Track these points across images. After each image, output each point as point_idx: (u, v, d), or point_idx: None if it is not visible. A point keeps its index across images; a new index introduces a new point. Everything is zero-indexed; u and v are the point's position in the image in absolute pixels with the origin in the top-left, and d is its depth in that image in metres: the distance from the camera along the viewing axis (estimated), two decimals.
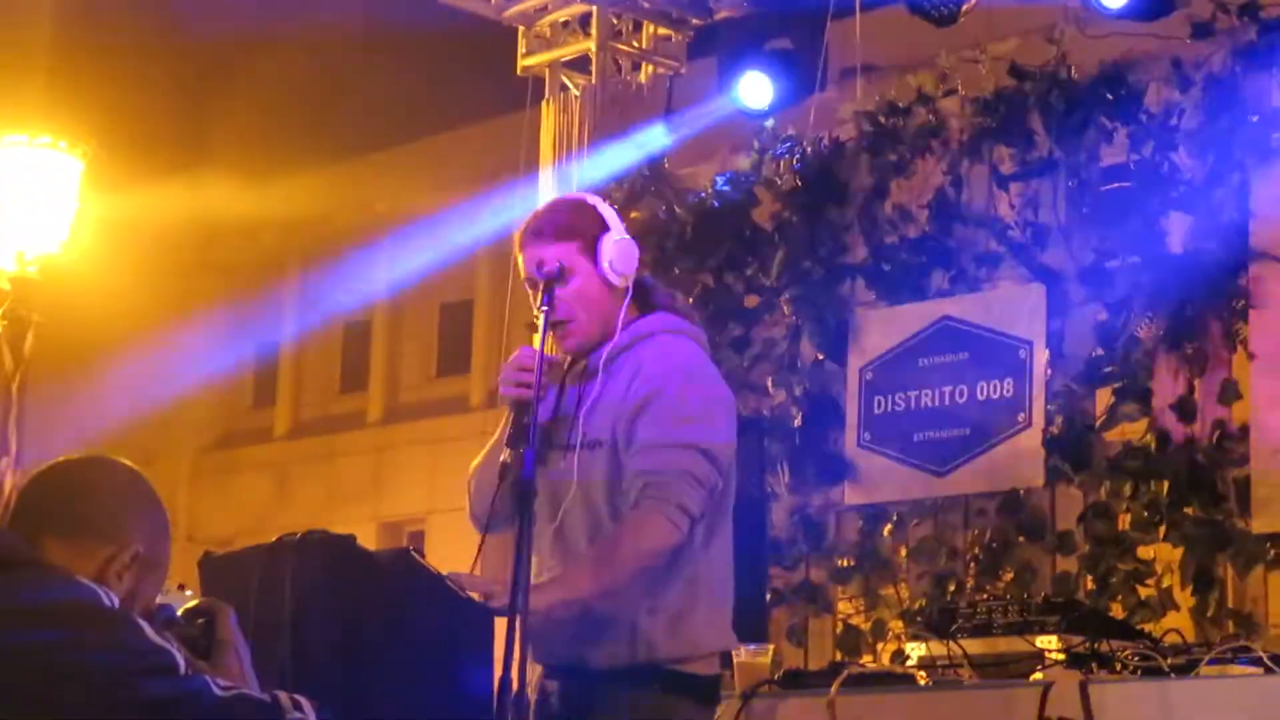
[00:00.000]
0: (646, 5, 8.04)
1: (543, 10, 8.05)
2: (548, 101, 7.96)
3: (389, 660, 3.25)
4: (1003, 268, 6.10)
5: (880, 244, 6.41)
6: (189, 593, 3.03)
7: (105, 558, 2.70)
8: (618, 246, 3.67)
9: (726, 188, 6.85)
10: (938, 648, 4.38)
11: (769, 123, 6.89)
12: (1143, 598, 5.54)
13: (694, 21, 8.10)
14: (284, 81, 16.17)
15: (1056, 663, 4.17)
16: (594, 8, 7.94)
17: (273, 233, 17.98)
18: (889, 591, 6.26)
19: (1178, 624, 5.09)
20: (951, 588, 6.00)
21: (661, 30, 8.12)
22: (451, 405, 17.85)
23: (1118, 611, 5.42)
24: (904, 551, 6.26)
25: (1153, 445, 5.60)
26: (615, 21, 8.03)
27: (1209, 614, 5.38)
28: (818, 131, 6.71)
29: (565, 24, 8.06)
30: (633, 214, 7.03)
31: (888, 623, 6.17)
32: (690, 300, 6.57)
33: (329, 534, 3.40)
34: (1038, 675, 4.16)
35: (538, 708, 3.67)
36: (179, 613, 2.83)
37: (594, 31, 7.96)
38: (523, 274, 3.71)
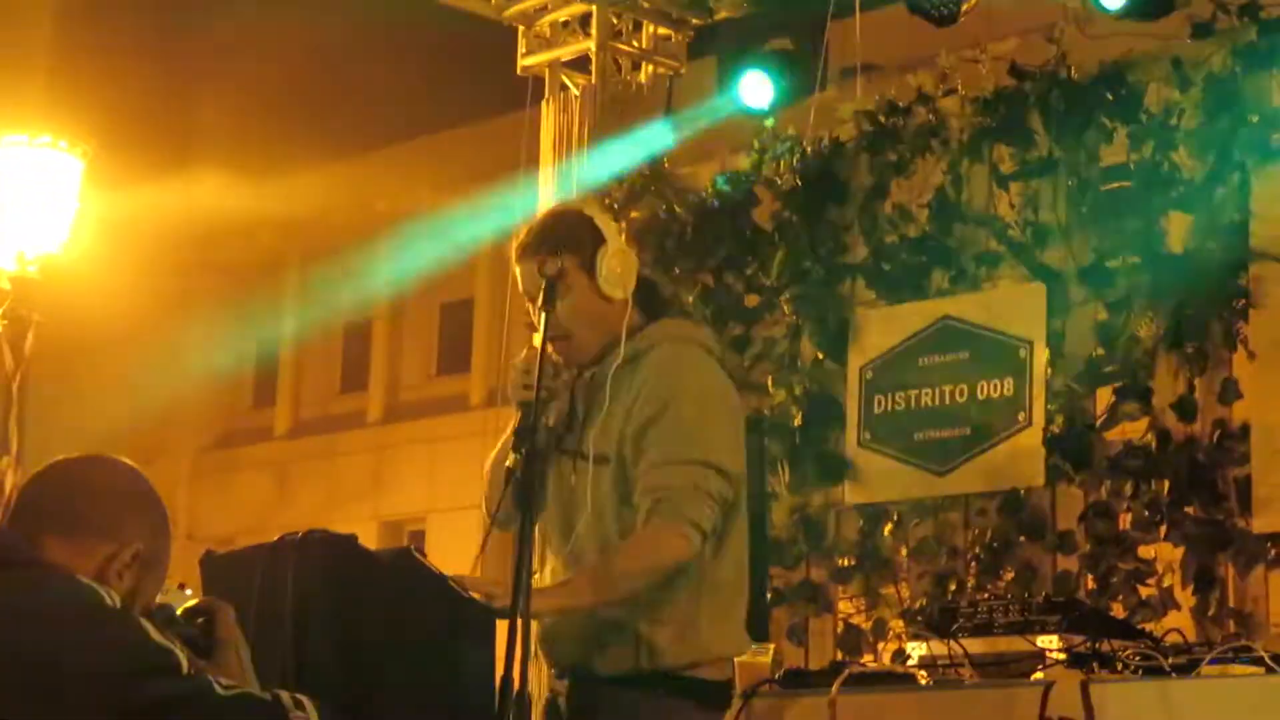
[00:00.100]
0: (646, 5, 8.04)
1: (542, 10, 8.06)
2: (548, 101, 7.96)
3: (390, 660, 3.25)
4: (1003, 267, 6.10)
5: (880, 243, 6.41)
6: (189, 592, 3.04)
7: (105, 556, 2.70)
8: (615, 259, 3.64)
9: (726, 187, 6.85)
10: (939, 647, 4.38)
11: (769, 122, 6.89)
12: (1144, 597, 5.54)
13: (694, 21, 8.10)
14: (284, 81, 16.16)
15: (1057, 662, 4.17)
16: (594, 7, 7.94)
17: (273, 232, 17.97)
18: (889, 591, 6.26)
19: (1179, 623, 5.08)
20: (952, 587, 6.00)
21: (661, 30, 8.12)
22: (452, 404, 17.86)
23: (1119, 611, 5.42)
24: (904, 551, 6.25)
25: (1153, 444, 5.60)
26: (615, 21, 8.03)
27: (1210, 613, 5.38)
28: (818, 131, 6.70)
29: (565, 24, 8.06)
30: (633, 213, 7.03)
31: (888, 622, 6.17)
32: (690, 299, 6.60)
33: (330, 533, 3.40)
34: (1039, 675, 4.16)
35: (548, 708, 3.68)
36: (178, 612, 2.84)
37: (594, 31, 7.96)
38: (521, 286, 3.70)
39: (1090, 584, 5.67)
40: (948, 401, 6.08)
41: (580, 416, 3.67)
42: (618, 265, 3.64)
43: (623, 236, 3.81)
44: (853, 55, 7.02)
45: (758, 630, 4.14)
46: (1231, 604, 5.42)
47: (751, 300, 6.73)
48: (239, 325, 17.98)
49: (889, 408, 6.23)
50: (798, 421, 6.47)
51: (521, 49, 8.10)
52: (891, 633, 6.09)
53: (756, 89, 7.08)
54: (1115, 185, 5.83)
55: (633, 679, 3.52)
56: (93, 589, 2.63)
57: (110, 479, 2.81)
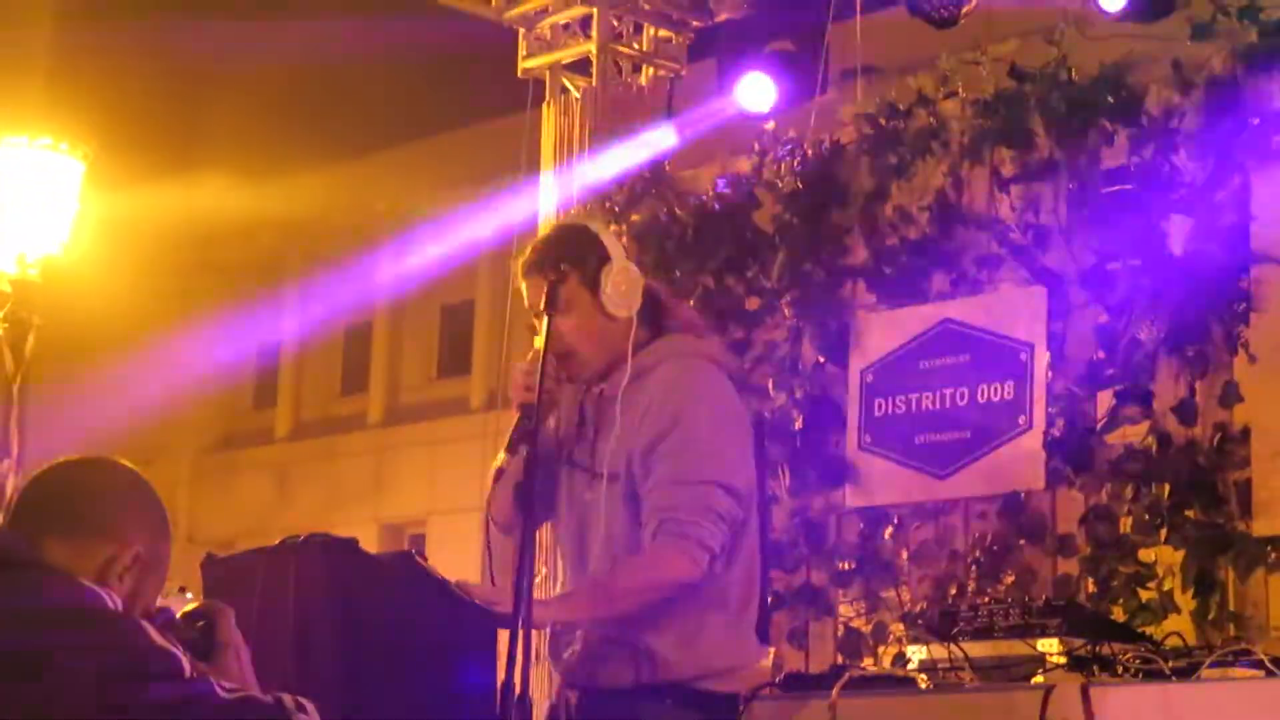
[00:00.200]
0: (647, 7, 8.05)
1: (543, 12, 8.06)
2: (548, 103, 7.96)
3: (391, 663, 3.25)
4: (1003, 270, 6.10)
5: (881, 246, 6.40)
6: (189, 595, 3.03)
7: (106, 558, 2.70)
8: (619, 276, 3.63)
9: (727, 190, 6.85)
10: (939, 651, 4.37)
11: (769, 125, 6.88)
12: (1144, 600, 5.54)
13: (694, 24, 8.10)
14: (284, 82, 16.17)
15: (1058, 666, 4.16)
16: (594, 10, 7.94)
17: (273, 234, 18.00)
18: (890, 594, 6.26)
19: (1179, 627, 5.08)
20: (952, 590, 5.99)
21: (662, 32, 8.12)
22: (452, 407, 17.87)
23: (1119, 614, 5.42)
24: (905, 554, 6.25)
25: (1154, 448, 5.60)
26: (616, 24, 8.03)
27: (1210, 617, 5.38)
28: (818, 134, 6.70)
29: (565, 26, 8.06)
30: (633, 216, 7.03)
31: (889, 626, 6.17)
32: (691, 303, 6.59)
33: (331, 537, 3.40)
34: (1039, 678, 4.15)
35: (554, 714, 3.67)
36: (178, 615, 2.83)
37: (594, 34, 7.96)
38: (526, 302, 3.70)
39: (1090, 587, 5.66)
40: (948, 405, 6.07)
41: (591, 431, 3.66)
42: (622, 283, 3.62)
43: (623, 248, 3.79)
44: (853, 58, 7.02)
45: (761, 636, 4.14)
46: (1232, 607, 5.41)
47: (752, 303, 6.73)
48: (239, 327, 17.99)
49: (889, 411, 6.23)
50: (798, 425, 6.47)
51: (522, 51, 8.11)
52: (892, 636, 6.09)
53: (757, 91, 7.08)
54: (1116, 188, 5.82)
55: (640, 690, 3.51)
56: (94, 592, 2.63)
57: (111, 481, 2.80)
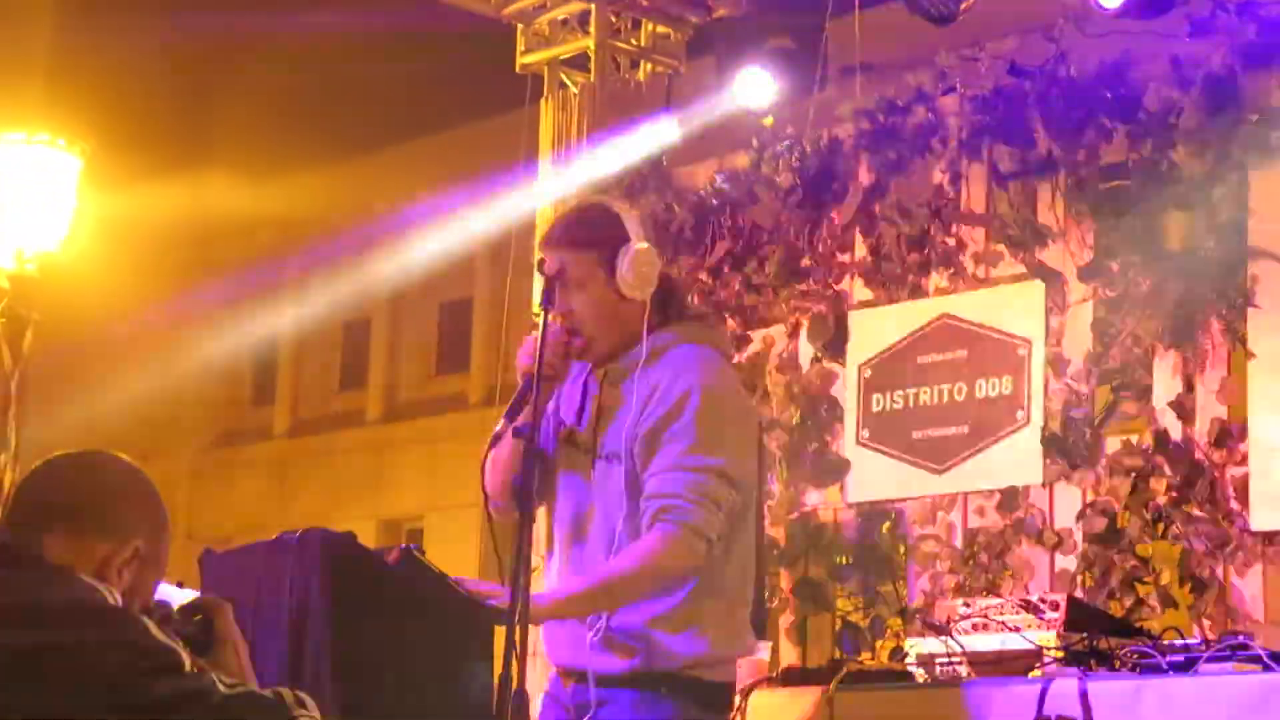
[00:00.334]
0: (645, 3, 8.04)
1: (541, 8, 8.05)
2: (546, 99, 7.95)
3: (388, 658, 3.25)
4: (1002, 266, 6.11)
5: (879, 242, 6.41)
6: (187, 590, 3.03)
7: (106, 553, 2.69)
8: (636, 258, 3.61)
9: (726, 186, 6.85)
10: (936, 645, 4.38)
11: (768, 121, 6.89)
12: (1141, 595, 5.55)
13: (693, 20, 8.09)
14: (283, 80, 16.17)
15: (1055, 660, 4.17)
16: (592, 6, 7.93)
17: (271, 230, 17.99)
18: (888, 589, 6.27)
19: (1176, 621, 5.09)
20: (950, 585, 6.00)
21: (660, 28, 8.11)
22: (450, 403, 17.87)
23: (1116, 609, 5.43)
24: (903, 549, 6.26)
25: (1152, 443, 5.60)
26: (614, 19, 8.03)
27: (1207, 612, 5.38)
28: (817, 130, 6.70)
29: (564, 22, 8.05)
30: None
31: (886, 620, 6.18)
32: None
33: (329, 532, 3.40)
34: (1036, 673, 4.16)
35: (549, 704, 3.67)
36: (175, 610, 2.83)
37: (593, 29, 7.95)
38: (543, 274, 3.70)
39: (1088, 582, 5.67)
40: (946, 400, 6.08)
41: (594, 412, 3.66)
42: (639, 265, 3.61)
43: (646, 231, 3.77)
44: (852, 54, 7.02)
45: (756, 629, 4.14)
46: (1229, 602, 5.42)
47: (750, 298, 6.73)
48: (238, 324, 17.98)
49: (888, 406, 6.24)
50: (796, 420, 6.47)
51: (520, 47, 8.10)
52: (890, 631, 6.09)
53: (755, 87, 7.08)
54: (1114, 184, 5.83)
55: (635, 679, 3.52)
56: (94, 587, 2.63)
57: (110, 475, 2.80)
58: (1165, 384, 5.61)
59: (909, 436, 6.15)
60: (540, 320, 3.55)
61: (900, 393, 6.20)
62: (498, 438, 3.59)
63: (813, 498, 6.45)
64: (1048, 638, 4.24)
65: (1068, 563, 5.76)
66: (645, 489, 3.53)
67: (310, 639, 3.27)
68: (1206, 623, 5.35)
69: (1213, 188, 5.53)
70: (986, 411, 5.95)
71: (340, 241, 16.85)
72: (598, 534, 3.60)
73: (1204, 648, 4.03)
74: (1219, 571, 5.42)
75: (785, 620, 6.42)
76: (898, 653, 4.67)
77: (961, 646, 4.31)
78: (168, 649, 2.58)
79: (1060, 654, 4.18)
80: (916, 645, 4.48)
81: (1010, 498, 5.92)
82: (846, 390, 6.36)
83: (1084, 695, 3.86)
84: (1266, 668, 3.80)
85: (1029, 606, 4.41)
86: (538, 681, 3.75)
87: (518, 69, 8.10)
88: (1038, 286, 5.93)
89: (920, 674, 4.41)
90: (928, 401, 6.13)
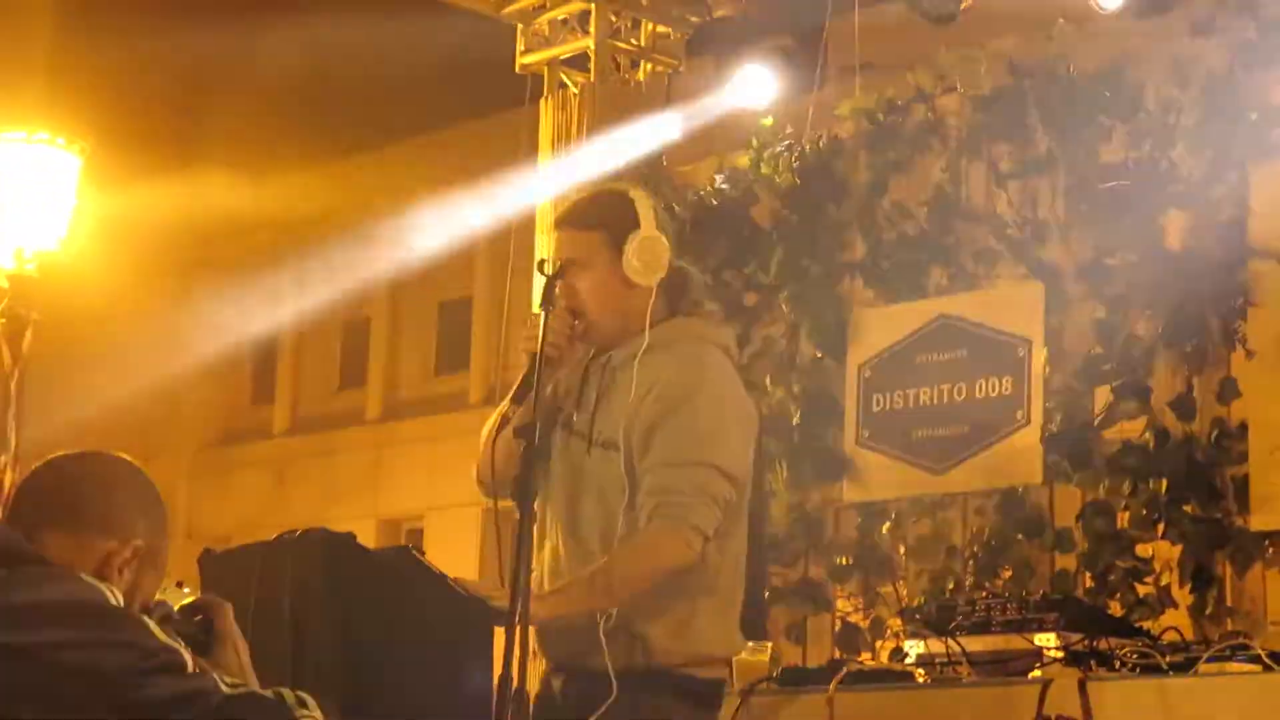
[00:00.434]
0: (645, 3, 8.04)
1: (541, 8, 8.05)
2: (546, 99, 7.95)
3: (388, 658, 3.25)
4: (1001, 265, 6.11)
5: (879, 242, 6.41)
6: (186, 590, 3.03)
7: (106, 552, 2.70)
8: (643, 245, 3.62)
9: (725, 185, 6.85)
10: (936, 645, 4.38)
11: (768, 120, 6.88)
12: (1141, 595, 5.54)
13: (692, 19, 8.10)
14: (281, 78, 16.15)
15: (1055, 660, 4.17)
16: (592, 5, 7.94)
17: (271, 229, 17.99)
18: (887, 589, 6.26)
19: (1176, 622, 5.09)
20: (950, 585, 6.00)
21: (660, 28, 8.11)
22: (450, 402, 17.87)
23: (1116, 609, 5.42)
24: (902, 549, 6.26)
25: (1151, 443, 5.60)
26: (614, 19, 8.03)
27: (1207, 611, 5.38)
28: (816, 129, 6.70)
29: (564, 21, 8.05)
30: None
31: (886, 620, 6.17)
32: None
33: (329, 532, 3.40)
34: (1036, 673, 4.16)
35: (541, 701, 3.67)
36: (175, 609, 2.83)
37: (592, 29, 7.95)
38: (554, 257, 3.71)
39: (1088, 582, 5.67)
40: (946, 400, 6.07)
41: (593, 399, 3.66)
42: (646, 251, 3.61)
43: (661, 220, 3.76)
44: (851, 53, 7.02)
45: (756, 628, 4.14)
46: (1229, 602, 5.42)
47: (750, 298, 6.73)
48: (237, 322, 17.97)
49: (887, 406, 6.23)
50: (796, 420, 6.47)
51: (520, 47, 8.10)
52: (889, 631, 6.09)
53: (755, 87, 7.08)
54: (1114, 183, 5.82)
55: (627, 676, 3.52)
56: (96, 587, 2.62)
57: (110, 474, 2.80)
58: (1165, 383, 5.60)
59: (909, 436, 6.14)
60: (540, 321, 3.55)
61: (900, 392, 6.20)
62: (506, 422, 3.57)
63: (812, 497, 6.44)
64: (1048, 638, 4.25)
65: (1067, 562, 5.76)
66: (643, 483, 3.53)
67: (309, 639, 3.27)
68: (1206, 623, 5.35)
69: (1212, 187, 5.53)
70: (986, 411, 5.94)
71: (340, 240, 16.85)
72: (592, 521, 3.60)
73: (1204, 648, 4.03)
74: (1219, 571, 5.42)
75: (785, 620, 6.41)
76: (898, 653, 4.67)
77: (961, 647, 4.31)
78: (169, 649, 2.58)
79: (1060, 654, 4.18)
80: (916, 646, 4.48)
81: (1010, 497, 5.91)
82: (846, 390, 6.36)
83: (1084, 695, 3.86)
84: (1266, 668, 3.81)
85: (1029, 606, 4.41)
86: (538, 681, 3.75)
87: (518, 69, 8.10)
88: (1037, 286, 5.93)
89: (920, 674, 4.41)
90: (927, 401, 6.12)
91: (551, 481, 3.68)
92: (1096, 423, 5.78)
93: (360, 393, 19.62)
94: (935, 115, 6.28)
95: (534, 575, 3.44)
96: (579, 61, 8.03)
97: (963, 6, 6.27)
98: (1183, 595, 5.46)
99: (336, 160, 16.94)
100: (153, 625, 2.61)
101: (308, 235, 18.02)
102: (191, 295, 17.35)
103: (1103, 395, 5.79)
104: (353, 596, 3.31)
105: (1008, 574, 5.89)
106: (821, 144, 6.61)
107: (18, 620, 2.56)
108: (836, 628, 6.36)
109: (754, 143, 6.80)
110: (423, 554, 3.37)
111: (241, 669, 2.78)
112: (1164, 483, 5.54)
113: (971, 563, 5.99)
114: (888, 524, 6.29)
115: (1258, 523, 5.32)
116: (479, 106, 14.91)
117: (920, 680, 4.38)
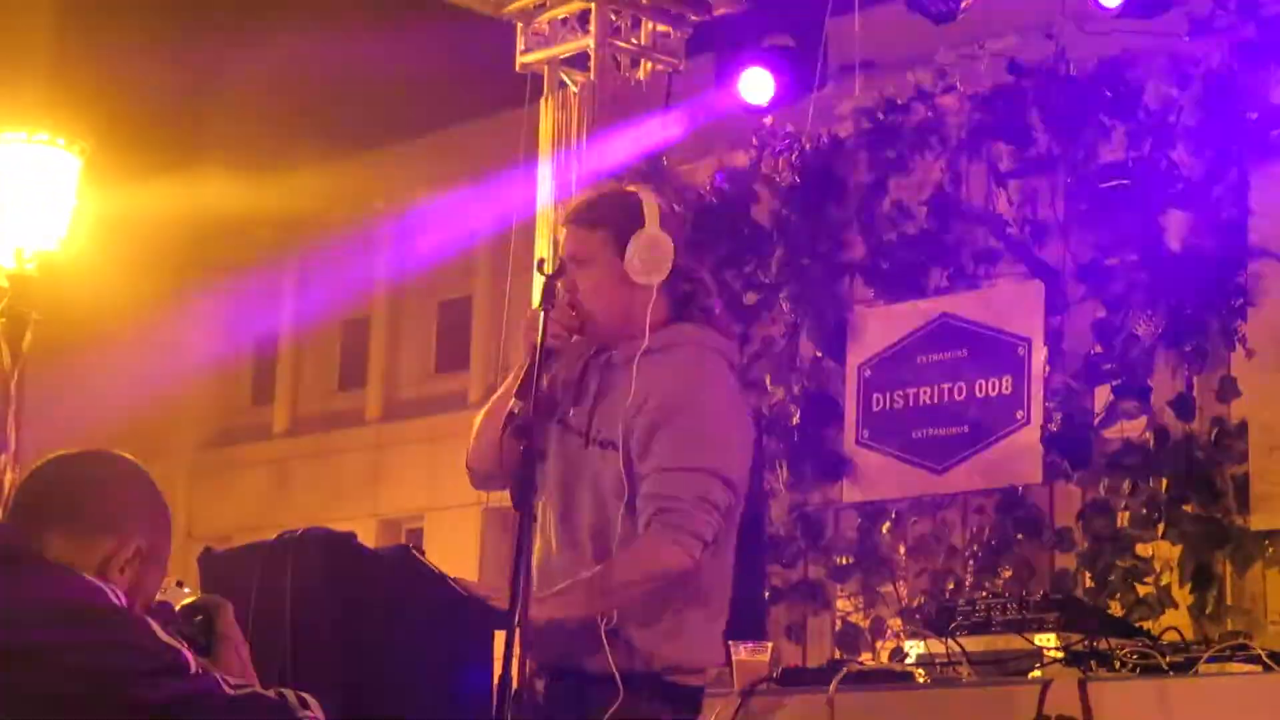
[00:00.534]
0: (645, 2, 8.04)
1: (541, 7, 8.05)
2: (546, 98, 7.95)
3: (388, 658, 3.25)
4: (1001, 265, 6.11)
5: (879, 241, 6.40)
6: (187, 589, 3.03)
7: (107, 552, 2.69)
8: (644, 244, 3.62)
9: (725, 184, 6.85)
10: (936, 645, 4.38)
11: (768, 119, 6.88)
12: (1141, 595, 5.54)
13: (693, 18, 8.10)
14: (282, 78, 16.15)
15: (1055, 660, 4.17)
16: (592, 4, 7.94)
17: (271, 229, 17.98)
18: (887, 589, 6.26)
19: (1176, 621, 5.09)
20: (950, 585, 6.00)
21: (660, 27, 8.12)
22: (450, 402, 17.85)
23: (1116, 609, 5.42)
24: (902, 549, 6.26)
25: (1151, 442, 5.60)
26: (614, 18, 8.03)
27: (1207, 611, 5.38)
28: (816, 128, 6.70)
29: (564, 21, 8.06)
30: None
31: (886, 620, 6.17)
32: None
33: (329, 531, 3.40)
34: (1036, 673, 4.16)
35: (521, 700, 3.66)
36: (176, 609, 2.83)
37: (592, 28, 7.95)
38: (562, 252, 3.72)
39: (1088, 582, 5.66)
40: (946, 399, 6.08)
41: (590, 396, 3.65)
42: (646, 251, 3.61)
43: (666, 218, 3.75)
44: (851, 52, 7.02)
45: (755, 628, 4.14)
46: (1229, 602, 5.42)
47: (750, 298, 6.73)
48: (237, 322, 17.99)
49: (887, 405, 6.23)
50: (796, 419, 6.47)
51: (520, 46, 8.10)
52: (889, 631, 6.09)
53: (755, 86, 7.08)
54: (1114, 183, 5.82)
55: (613, 678, 3.51)
56: (98, 587, 2.62)
57: (111, 473, 2.80)
58: (1165, 383, 5.60)
59: (908, 436, 6.14)
60: (540, 319, 3.55)
61: (900, 392, 6.20)
62: (511, 417, 3.56)
63: (812, 497, 6.44)
64: (1047, 638, 4.25)
65: (1067, 562, 5.76)
66: (643, 487, 3.53)
67: (309, 639, 3.27)
68: (1206, 623, 5.35)
69: (1212, 186, 5.53)
70: (986, 411, 5.94)
71: (340, 240, 16.86)
72: (588, 520, 3.59)
73: (1204, 648, 4.03)
74: (1219, 571, 5.41)
75: (785, 620, 6.41)
76: (898, 653, 4.67)
77: (961, 647, 4.31)
78: (173, 649, 2.58)
79: (1060, 654, 4.18)
80: (916, 646, 4.48)
81: (1010, 497, 5.91)
82: (846, 390, 6.36)
83: (1084, 695, 3.86)
84: (1266, 668, 3.81)
85: (1029, 606, 4.41)
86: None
87: (518, 68, 8.10)
88: (1037, 285, 5.93)
89: (920, 674, 4.41)
90: (927, 401, 6.12)
91: (545, 475, 3.68)
92: (1096, 422, 5.78)
93: (360, 393, 19.62)
94: (935, 114, 6.27)
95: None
96: (579, 61, 8.03)
97: (963, 5, 6.26)
98: (1183, 595, 5.46)
99: (336, 160, 16.93)
100: (155, 626, 2.61)
101: (307, 235, 18.03)
102: (191, 295, 17.36)
103: (1103, 395, 5.79)
104: (353, 596, 3.30)
105: (1008, 574, 5.89)
106: (821, 143, 6.61)
107: (19, 621, 2.56)
108: (836, 628, 6.36)
109: (754, 141, 6.80)
110: (423, 554, 3.37)
111: (242, 669, 2.78)
112: (1164, 482, 5.54)
113: (971, 563, 5.99)
114: (887, 524, 6.29)
115: (1258, 522, 5.32)
116: (479, 105, 14.90)
117: (920, 680, 4.38)
